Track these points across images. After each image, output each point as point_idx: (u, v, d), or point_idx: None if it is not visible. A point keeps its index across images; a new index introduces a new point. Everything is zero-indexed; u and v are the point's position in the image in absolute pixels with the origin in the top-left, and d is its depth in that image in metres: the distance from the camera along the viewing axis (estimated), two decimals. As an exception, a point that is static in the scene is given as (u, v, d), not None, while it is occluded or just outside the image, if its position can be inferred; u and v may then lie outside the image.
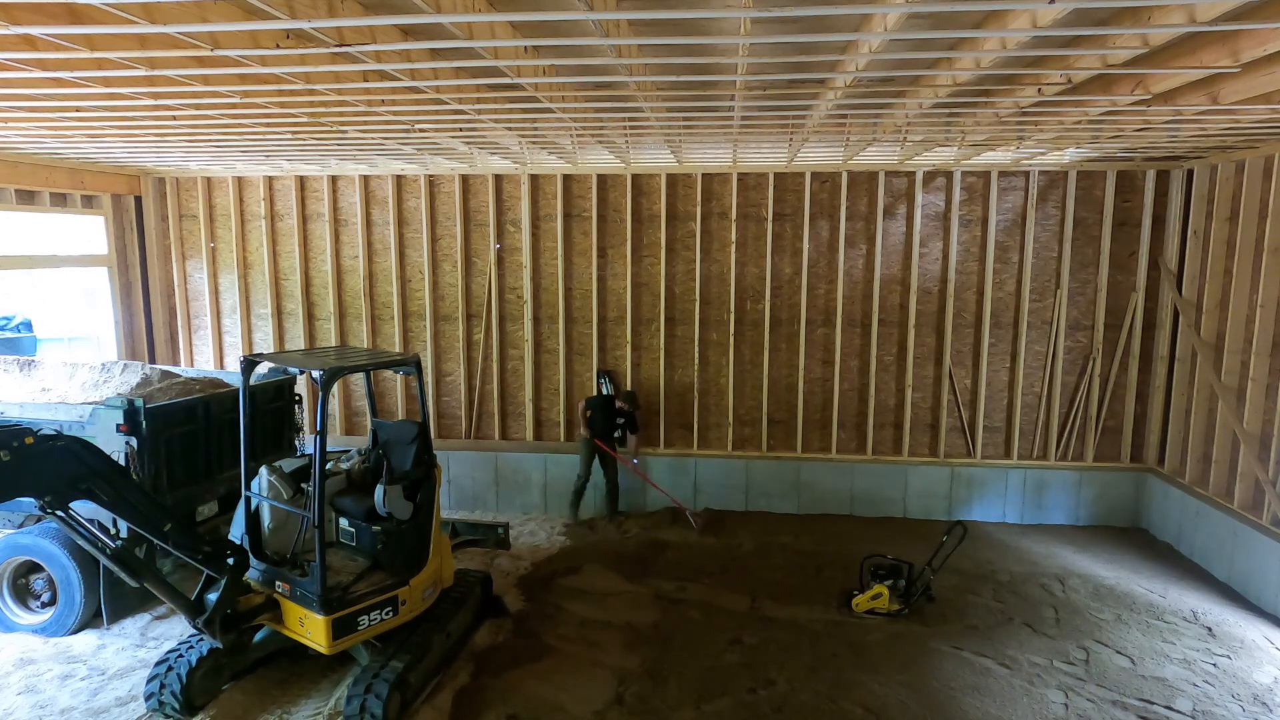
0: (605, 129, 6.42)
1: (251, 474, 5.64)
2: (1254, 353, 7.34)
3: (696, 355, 9.50)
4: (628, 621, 6.72)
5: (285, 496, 5.62)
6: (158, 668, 5.26)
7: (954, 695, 5.62)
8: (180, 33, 3.53)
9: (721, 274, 9.37)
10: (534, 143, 7.23)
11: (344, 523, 5.87)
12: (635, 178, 9.30)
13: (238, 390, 6.07)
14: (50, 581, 6.42)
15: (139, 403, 5.99)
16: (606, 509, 9.37)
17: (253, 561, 5.36)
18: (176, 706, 5.16)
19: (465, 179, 9.52)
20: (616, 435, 9.24)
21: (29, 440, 4.16)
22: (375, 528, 5.62)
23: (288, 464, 5.98)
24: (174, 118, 5.85)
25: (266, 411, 7.45)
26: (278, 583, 5.32)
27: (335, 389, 9.81)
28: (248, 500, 5.52)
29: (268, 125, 6.19)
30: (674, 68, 4.64)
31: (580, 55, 4.29)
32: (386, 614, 5.42)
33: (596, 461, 9.25)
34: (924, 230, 9.07)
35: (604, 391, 9.49)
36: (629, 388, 9.51)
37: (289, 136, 6.70)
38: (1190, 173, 8.38)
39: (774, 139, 7.03)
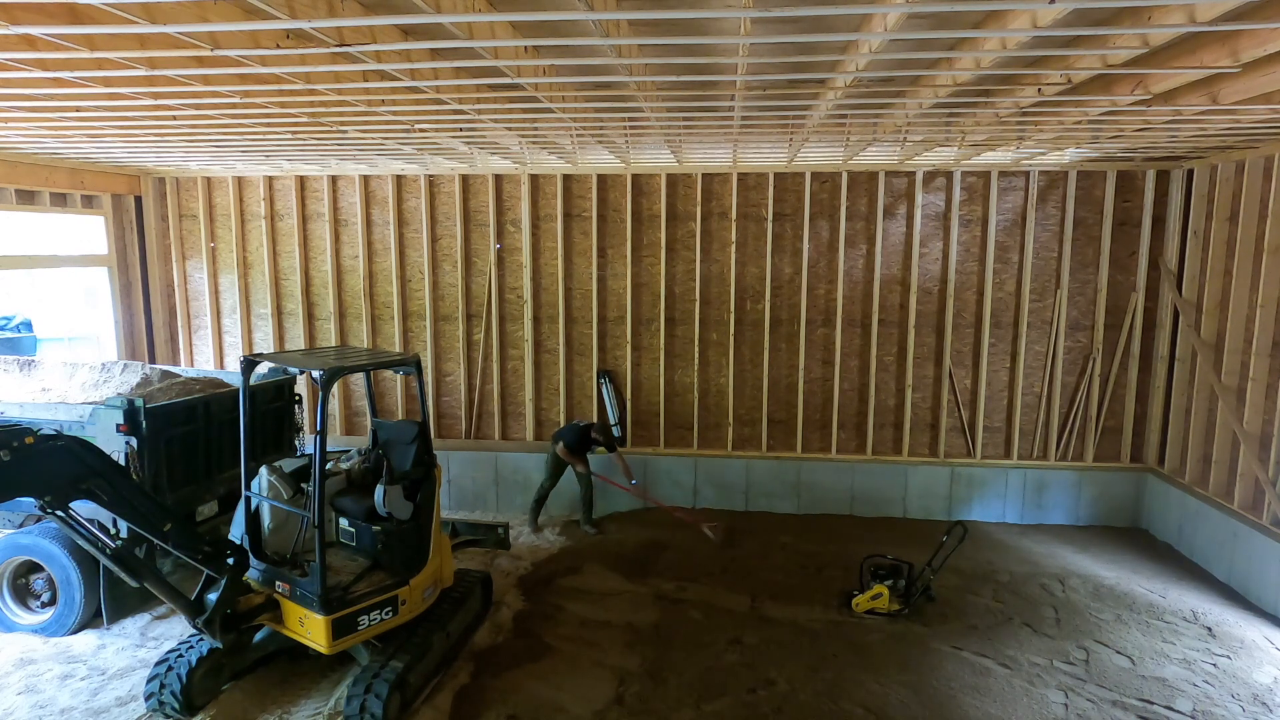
0: (605, 129, 6.42)
1: (251, 474, 5.64)
2: (1254, 353, 7.34)
3: (696, 355, 9.50)
4: (628, 621, 6.72)
5: (285, 496, 5.62)
6: (158, 668, 5.26)
7: (954, 695, 5.63)
8: (180, 33, 3.53)
9: (721, 274, 9.36)
10: (534, 143, 7.23)
11: (344, 523, 5.87)
12: (635, 178, 9.30)
13: (238, 390, 6.07)
14: (50, 581, 6.42)
15: (139, 403, 5.99)
16: (583, 519, 9.18)
17: (253, 561, 5.36)
18: (176, 706, 5.16)
19: (465, 179, 9.52)
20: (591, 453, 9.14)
21: (29, 440, 4.16)
22: (375, 528, 5.62)
23: (288, 464, 5.98)
24: (174, 118, 5.86)
25: (266, 411, 7.45)
26: (278, 583, 5.32)
27: (335, 389, 9.81)
28: (248, 500, 5.52)
29: (268, 125, 6.19)
30: (674, 68, 4.64)
31: (580, 55, 4.29)
32: (386, 614, 5.42)
33: (570, 473, 9.09)
34: (924, 230, 9.06)
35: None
36: (607, 418, 9.47)
37: (289, 136, 6.70)
38: (1190, 173, 8.38)
39: (774, 139, 7.03)
